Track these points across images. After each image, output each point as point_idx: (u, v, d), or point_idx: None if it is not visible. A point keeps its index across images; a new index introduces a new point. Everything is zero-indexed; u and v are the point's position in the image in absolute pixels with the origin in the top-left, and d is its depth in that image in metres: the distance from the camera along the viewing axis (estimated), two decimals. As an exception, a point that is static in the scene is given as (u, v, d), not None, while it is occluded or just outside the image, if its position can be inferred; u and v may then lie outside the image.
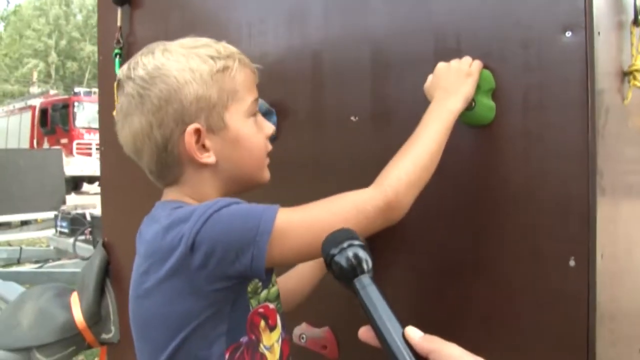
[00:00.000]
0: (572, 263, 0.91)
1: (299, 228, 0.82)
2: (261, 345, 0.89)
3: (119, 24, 2.00)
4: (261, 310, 0.90)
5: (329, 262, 0.69)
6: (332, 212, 0.84)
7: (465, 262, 1.05)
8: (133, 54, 2.00)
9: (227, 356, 0.84)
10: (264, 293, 0.91)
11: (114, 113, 0.93)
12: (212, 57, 0.88)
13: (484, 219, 1.02)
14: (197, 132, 0.86)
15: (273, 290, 0.95)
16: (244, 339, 0.86)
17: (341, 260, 0.67)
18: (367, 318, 0.65)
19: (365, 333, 0.66)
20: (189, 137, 0.85)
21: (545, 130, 0.94)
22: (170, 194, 0.92)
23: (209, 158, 0.88)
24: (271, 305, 0.93)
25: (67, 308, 2.10)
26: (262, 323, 0.90)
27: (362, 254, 0.68)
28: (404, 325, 0.64)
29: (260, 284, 0.89)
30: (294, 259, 0.90)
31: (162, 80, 0.85)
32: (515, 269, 0.98)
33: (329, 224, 0.77)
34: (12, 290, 2.63)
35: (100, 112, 2.21)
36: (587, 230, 0.90)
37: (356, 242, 0.69)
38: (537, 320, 0.95)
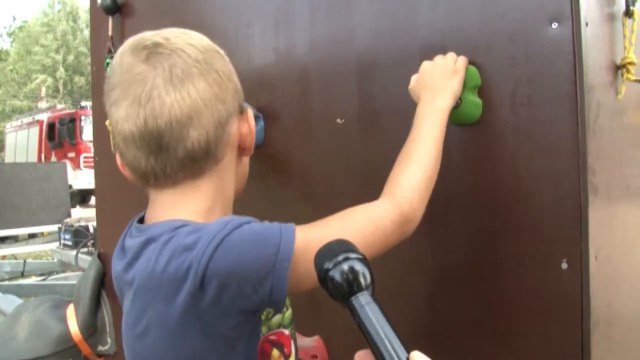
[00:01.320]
0: (564, 265, 0.87)
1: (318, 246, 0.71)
2: None
3: (110, 33, 1.99)
4: (273, 337, 0.81)
5: (323, 278, 0.60)
6: (350, 229, 0.77)
7: (454, 266, 1.01)
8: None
9: None
10: (276, 318, 0.81)
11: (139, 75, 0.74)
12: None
13: (472, 221, 0.98)
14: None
15: (287, 314, 0.85)
16: None
17: (336, 275, 0.59)
18: (367, 341, 0.56)
19: (363, 358, 0.57)
20: (251, 119, 0.82)
21: (534, 126, 0.90)
22: (176, 200, 0.78)
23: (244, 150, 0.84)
24: (286, 332, 0.83)
25: (63, 320, 2.07)
26: (275, 352, 0.81)
27: (360, 267, 0.59)
28: (408, 348, 0.55)
29: (272, 309, 0.79)
30: (312, 284, 0.71)
31: (220, 57, 0.80)
32: (506, 273, 0.94)
33: (345, 234, 0.70)
34: (11, 303, 2.62)
35: (94, 122, 2.20)
36: (579, 231, 0.86)
37: (353, 255, 0.60)
38: (530, 326, 0.91)
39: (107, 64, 1.99)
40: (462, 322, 0.99)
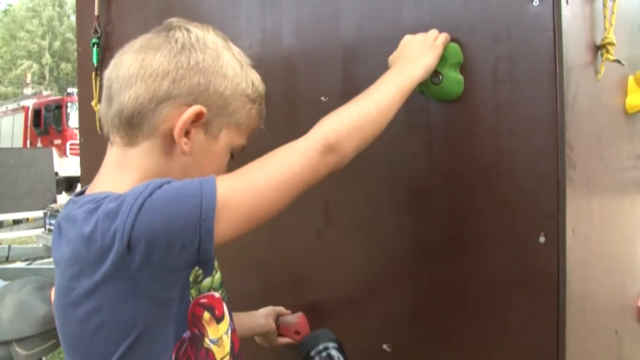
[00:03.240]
0: (542, 239, 0.89)
1: (244, 193, 0.74)
2: (206, 340, 0.81)
3: (96, 13, 1.98)
4: (204, 300, 0.82)
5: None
6: (275, 165, 0.78)
7: (436, 240, 1.02)
8: (111, 43, 1.99)
9: (172, 356, 0.75)
10: (206, 281, 0.82)
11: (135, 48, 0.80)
12: (254, 84, 0.87)
13: (453, 197, 0.99)
14: (199, 117, 0.79)
15: (217, 277, 0.86)
16: (186, 334, 0.77)
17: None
18: None
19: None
20: (191, 114, 0.78)
21: (514, 103, 0.92)
22: (114, 158, 0.81)
23: (185, 145, 0.80)
24: (216, 294, 0.84)
25: (48, 301, 2.07)
26: (207, 314, 0.82)
27: (335, 353, 0.83)
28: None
29: (201, 271, 0.81)
30: (241, 230, 0.75)
31: (212, 55, 0.81)
32: (486, 247, 0.96)
33: (276, 180, 0.75)
34: (-5, 285, 2.61)
35: (79, 102, 2.18)
36: (557, 205, 0.88)
37: (331, 345, 0.86)
38: (509, 298, 0.93)
39: (94, 44, 1.97)
40: (444, 295, 1.01)
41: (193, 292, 0.79)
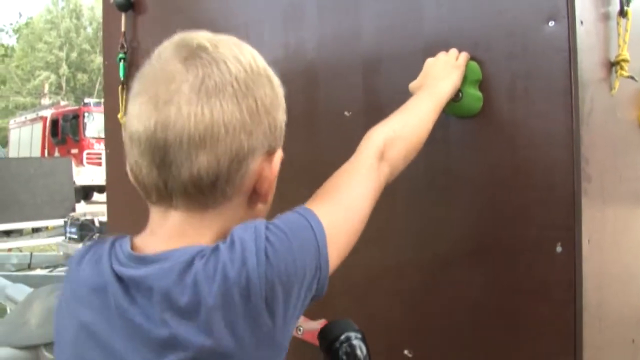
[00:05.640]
0: (559, 249, 0.93)
1: (342, 224, 0.74)
2: None
3: (122, 29, 2.05)
4: None
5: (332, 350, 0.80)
6: (353, 189, 0.80)
7: (456, 250, 1.06)
8: (137, 58, 2.06)
9: None
10: None
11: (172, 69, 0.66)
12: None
13: (472, 208, 1.04)
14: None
15: None
16: None
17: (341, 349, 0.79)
18: None
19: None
20: (276, 163, 0.71)
21: (530, 118, 0.96)
22: (179, 223, 0.68)
23: (270, 195, 0.73)
24: None
25: (73, 308, 2.13)
26: None
27: (357, 343, 0.80)
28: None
29: None
30: (344, 257, 0.75)
31: (269, 84, 0.70)
32: (504, 256, 0.99)
33: (360, 203, 0.78)
34: (21, 291, 2.68)
35: (105, 114, 2.26)
36: (573, 217, 0.91)
37: (352, 334, 0.82)
38: (526, 306, 0.97)
39: (120, 59, 2.05)
40: (463, 303, 1.05)
41: None
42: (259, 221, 0.67)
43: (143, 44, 2.02)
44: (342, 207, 0.76)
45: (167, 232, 0.68)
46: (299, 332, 1.29)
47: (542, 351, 0.95)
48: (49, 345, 2.07)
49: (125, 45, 2.04)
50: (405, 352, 1.13)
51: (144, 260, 0.65)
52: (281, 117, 0.72)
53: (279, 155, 0.72)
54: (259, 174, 0.70)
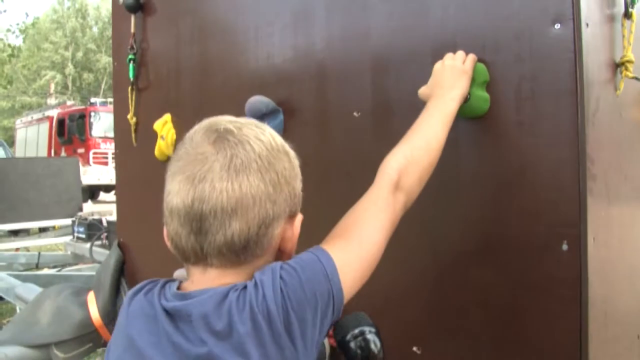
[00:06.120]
0: (564, 247, 0.95)
1: (355, 261, 0.83)
2: None
3: (132, 30, 2.07)
4: None
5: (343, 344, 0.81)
6: (366, 224, 0.87)
7: (462, 249, 1.08)
8: (146, 59, 2.08)
9: None
10: None
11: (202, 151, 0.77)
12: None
13: (480, 207, 1.06)
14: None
15: None
16: None
17: (352, 344, 0.79)
18: None
19: None
20: (297, 226, 0.82)
21: (537, 118, 0.98)
22: (215, 278, 0.78)
23: (292, 252, 0.84)
24: None
25: (84, 306, 2.16)
26: None
27: (372, 337, 0.81)
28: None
29: None
30: (360, 286, 0.85)
31: (287, 158, 0.81)
32: (511, 254, 1.01)
33: (373, 238, 0.86)
34: (31, 290, 2.71)
35: (115, 115, 2.29)
36: (579, 215, 0.93)
37: (367, 329, 0.82)
38: (533, 303, 0.99)
39: (130, 60, 2.07)
40: (471, 301, 1.07)
41: None
42: (274, 263, 0.78)
43: (152, 45, 2.05)
44: (355, 242, 0.85)
45: (207, 281, 0.79)
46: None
47: (549, 346, 0.97)
48: (59, 344, 2.09)
49: (134, 47, 2.07)
50: (414, 349, 1.15)
51: (186, 296, 0.76)
52: (298, 185, 0.83)
53: (299, 218, 0.83)
54: (283, 236, 0.81)
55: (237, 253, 0.77)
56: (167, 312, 0.76)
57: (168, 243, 0.82)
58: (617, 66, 1.08)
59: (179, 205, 0.76)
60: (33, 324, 2.15)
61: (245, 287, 0.74)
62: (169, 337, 0.74)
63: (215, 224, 0.75)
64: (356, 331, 0.80)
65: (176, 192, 0.77)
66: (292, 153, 0.83)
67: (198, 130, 0.80)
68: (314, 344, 0.76)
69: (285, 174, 0.79)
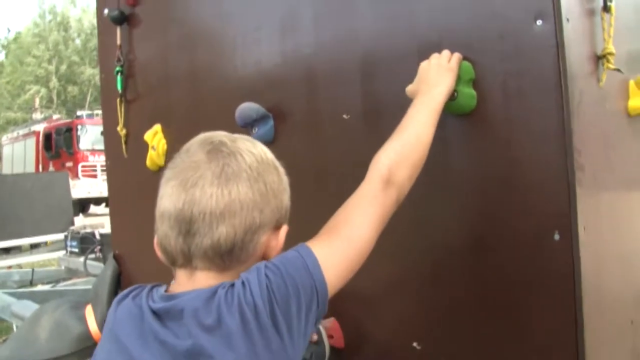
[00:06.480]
0: (556, 237, 0.97)
1: (340, 252, 0.86)
2: None
3: (118, 42, 2.08)
4: None
5: None
6: (355, 219, 0.90)
7: (456, 244, 1.10)
8: (134, 70, 2.08)
9: None
10: None
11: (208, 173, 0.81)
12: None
13: (470, 202, 1.08)
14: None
15: None
16: None
17: None
18: None
19: None
20: (282, 237, 0.86)
21: (523, 113, 1.00)
22: (202, 281, 0.82)
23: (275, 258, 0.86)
24: None
25: (83, 320, 2.16)
26: None
27: None
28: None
29: None
30: (346, 280, 0.88)
31: (276, 172, 0.86)
32: (503, 248, 1.03)
33: (362, 233, 0.88)
34: (27, 307, 2.69)
35: (105, 127, 2.28)
36: (569, 204, 0.95)
37: None
38: (527, 295, 1.01)
39: (117, 72, 2.08)
40: (468, 295, 1.09)
41: None
42: (259, 263, 0.82)
43: (139, 56, 2.05)
44: (341, 237, 0.88)
45: (193, 284, 0.82)
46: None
47: (545, 333, 0.99)
48: (59, 359, 2.08)
49: (121, 58, 2.07)
50: (414, 344, 1.17)
51: (173, 297, 0.80)
52: (286, 199, 0.87)
53: (284, 229, 0.87)
54: (267, 245, 0.85)
55: (223, 257, 0.80)
56: (155, 313, 0.79)
57: (157, 250, 0.86)
58: (599, 59, 1.11)
59: (170, 208, 0.80)
60: (32, 341, 2.15)
61: (232, 284, 0.78)
62: (156, 336, 0.77)
63: (204, 226, 0.79)
64: None
65: (168, 196, 0.81)
66: (281, 170, 0.88)
67: (194, 142, 0.86)
68: (300, 336, 0.79)
69: (273, 187, 0.84)
